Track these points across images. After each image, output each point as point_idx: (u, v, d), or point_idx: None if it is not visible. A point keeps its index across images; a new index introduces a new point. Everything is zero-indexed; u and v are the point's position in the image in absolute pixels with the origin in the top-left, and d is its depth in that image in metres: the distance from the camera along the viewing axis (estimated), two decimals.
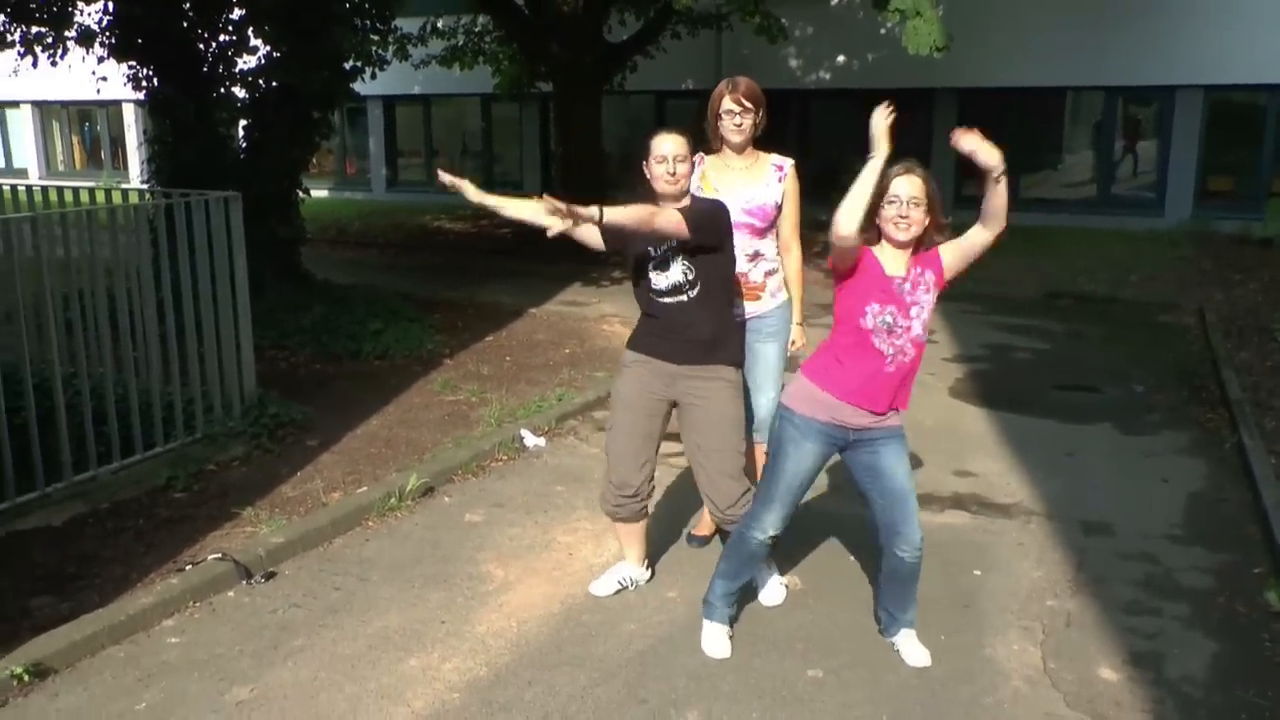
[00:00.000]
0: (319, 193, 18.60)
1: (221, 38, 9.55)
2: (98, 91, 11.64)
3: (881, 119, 3.39)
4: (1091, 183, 15.97)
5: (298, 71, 9.25)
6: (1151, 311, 9.89)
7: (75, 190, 6.38)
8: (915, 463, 5.73)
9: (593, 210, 3.49)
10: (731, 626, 3.98)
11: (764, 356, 4.47)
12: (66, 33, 10.04)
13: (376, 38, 10.38)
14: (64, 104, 23.34)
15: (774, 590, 4.26)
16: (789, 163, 4.41)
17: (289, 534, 4.77)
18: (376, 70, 10.43)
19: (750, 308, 4.42)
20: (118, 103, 21.61)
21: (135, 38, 9.24)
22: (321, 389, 7.17)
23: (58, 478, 5.12)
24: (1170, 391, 7.24)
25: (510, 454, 6.01)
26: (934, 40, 10.52)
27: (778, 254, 4.49)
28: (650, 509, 4.29)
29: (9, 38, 10.11)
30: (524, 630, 4.07)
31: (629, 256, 4.01)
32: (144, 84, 9.53)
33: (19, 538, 4.78)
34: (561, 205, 3.43)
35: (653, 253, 3.91)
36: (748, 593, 4.11)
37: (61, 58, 10.31)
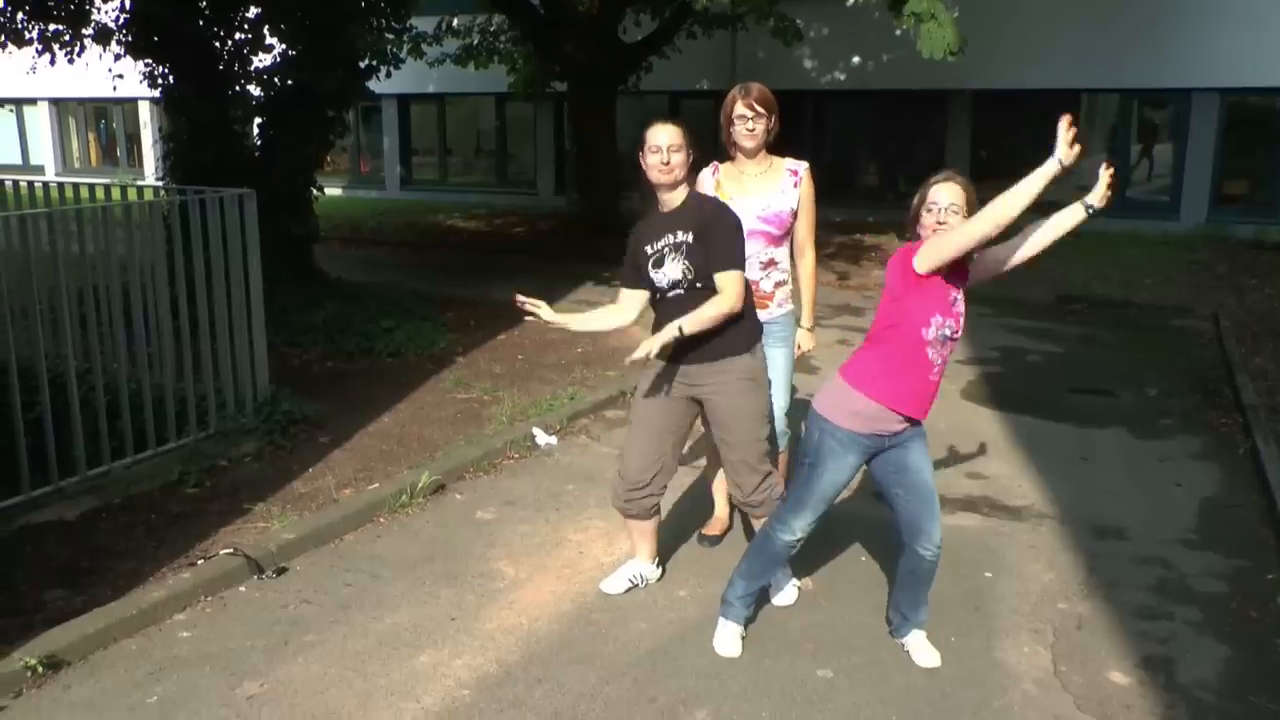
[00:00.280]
0: (333, 191, 18.66)
1: (237, 36, 9.60)
2: (114, 89, 11.70)
3: (1066, 126, 3.35)
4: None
5: (313, 70, 9.29)
6: (1166, 316, 9.85)
7: (91, 187, 6.43)
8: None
9: (673, 333, 3.74)
10: (746, 627, 3.98)
11: (773, 361, 4.46)
12: (84, 30, 10.11)
13: (392, 36, 10.41)
14: (81, 101, 23.49)
15: (788, 591, 4.25)
16: (803, 166, 4.41)
17: (300, 530, 4.78)
18: (391, 69, 10.46)
19: (758, 314, 4.41)
20: (134, 100, 21.72)
21: (152, 35, 9.29)
22: (334, 386, 7.19)
23: (71, 472, 5.15)
24: (1184, 396, 7.21)
25: (522, 452, 6.02)
26: (948, 44, 10.51)
27: (790, 266, 4.48)
28: (662, 509, 4.29)
29: (27, 35, 10.18)
30: (534, 628, 4.08)
31: (628, 254, 4.04)
32: (160, 82, 9.59)
33: (34, 531, 4.81)
34: (653, 347, 3.72)
35: (649, 251, 3.91)
36: (760, 594, 4.10)
37: (79, 55, 10.39)
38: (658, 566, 4.45)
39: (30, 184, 7.02)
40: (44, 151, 24.41)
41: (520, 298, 3.92)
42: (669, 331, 3.76)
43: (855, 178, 17.32)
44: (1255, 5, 13.98)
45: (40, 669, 3.68)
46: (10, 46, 10.21)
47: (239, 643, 3.97)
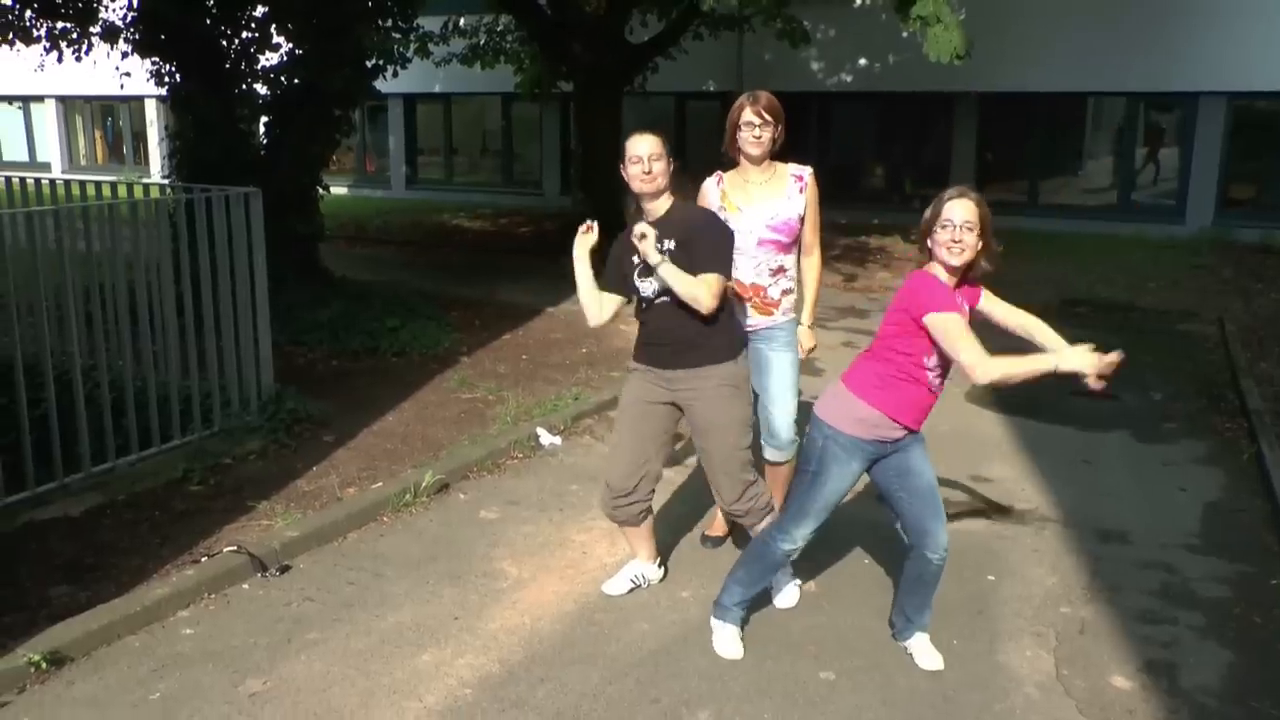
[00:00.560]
0: (339, 190, 18.69)
1: (244, 35, 9.62)
2: (121, 87, 11.72)
3: (1112, 360, 3.50)
4: (1112, 189, 15.89)
5: (319, 69, 9.30)
6: (1171, 320, 9.83)
7: (97, 184, 6.44)
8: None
9: (656, 255, 3.75)
10: (742, 629, 3.98)
11: (778, 366, 4.46)
12: (91, 28, 10.13)
13: (398, 36, 10.41)
14: (87, 99, 23.53)
15: (790, 593, 4.26)
16: (808, 171, 4.41)
17: (304, 528, 4.79)
18: (398, 68, 10.47)
19: (761, 320, 4.43)
20: (140, 98, 21.78)
21: (159, 34, 9.31)
22: (338, 385, 7.20)
23: (76, 469, 5.17)
24: (1188, 400, 7.20)
25: (526, 452, 6.03)
26: (955, 47, 10.49)
27: (795, 275, 4.49)
28: (654, 508, 4.30)
29: (35, 33, 10.20)
30: (537, 628, 4.08)
31: (610, 259, 4.06)
32: (167, 80, 9.61)
33: (38, 527, 4.83)
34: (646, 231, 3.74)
35: (636, 261, 3.93)
36: (762, 596, 4.10)
37: (86, 53, 10.41)
38: (660, 566, 4.45)
39: (37, 181, 7.03)
40: (51, 149, 24.47)
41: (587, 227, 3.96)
42: (651, 252, 3.77)
43: (861, 180, 17.32)
44: (1263, 9, 13.95)
45: (44, 665, 3.69)
46: (18, 44, 10.24)
47: (242, 640, 3.98)
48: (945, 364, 3.55)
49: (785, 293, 4.45)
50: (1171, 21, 14.32)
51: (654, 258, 3.78)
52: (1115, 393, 7.43)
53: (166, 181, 9.69)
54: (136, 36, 9.61)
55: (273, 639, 3.99)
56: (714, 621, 3.96)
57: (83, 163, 24.32)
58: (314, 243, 10.21)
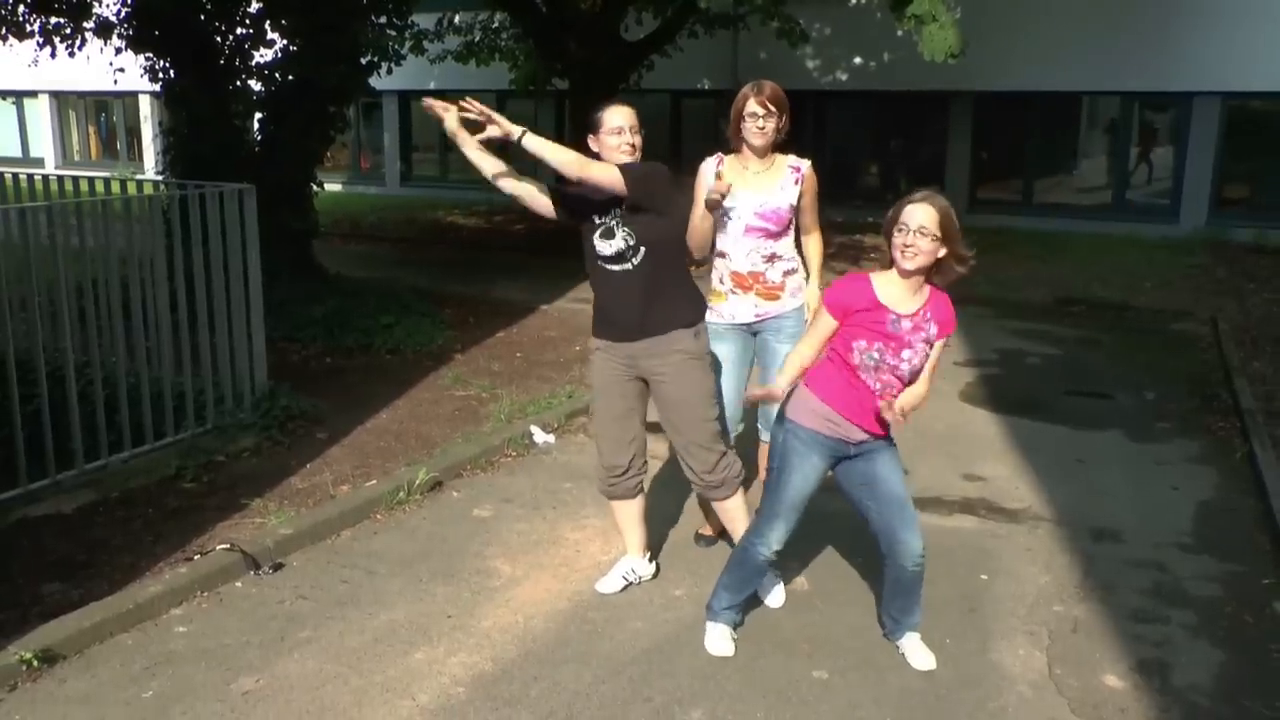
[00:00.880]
0: (333, 186, 18.64)
1: (239, 31, 9.60)
2: (115, 82, 11.70)
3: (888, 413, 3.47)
4: (1106, 189, 15.91)
5: (314, 65, 9.28)
6: (1164, 319, 9.85)
7: (91, 180, 6.42)
8: (924, 466, 5.73)
9: (517, 129, 3.66)
10: (735, 629, 3.98)
11: (781, 357, 4.47)
12: (85, 24, 10.10)
13: (393, 33, 10.40)
14: (81, 94, 23.46)
15: (777, 593, 4.26)
16: (805, 163, 4.43)
17: (297, 526, 4.79)
18: (392, 65, 10.45)
19: (769, 307, 4.43)
20: (134, 94, 21.69)
21: (153, 29, 9.29)
22: (332, 382, 7.19)
23: (69, 465, 5.15)
24: (1182, 400, 7.21)
25: (519, 450, 6.02)
26: (950, 46, 10.50)
27: (796, 255, 4.50)
28: (648, 508, 4.30)
29: (28, 28, 10.17)
30: (530, 626, 4.08)
31: (578, 224, 4.03)
32: (161, 76, 9.59)
33: (30, 524, 4.81)
34: (483, 108, 3.69)
35: (598, 220, 3.93)
36: (754, 597, 4.11)
37: (80, 48, 10.38)
38: (651, 562, 4.45)
39: (30, 177, 7.02)
40: (44, 144, 24.40)
41: (429, 101, 3.89)
42: (506, 124, 3.79)
43: (856, 178, 17.32)
44: (1258, 9, 13.97)
45: (36, 663, 3.68)
46: (12, 39, 10.20)
47: (235, 638, 3.97)
48: (884, 364, 3.51)
49: (787, 274, 4.45)
50: (1166, 22, 14.34)
51: (514, 131, 3.74)
52: (1109, 392, 7.45)
53: (160, 178, 9.67)
54: (130, 32, 9.59)
55: (266, 637, 3.99)
56: (707, 622, 3.96)
57: (76, 158, 24.24)
58: (308, 239, 10.20)
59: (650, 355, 3.96)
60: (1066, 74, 15.01)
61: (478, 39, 16.39)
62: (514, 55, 16.43)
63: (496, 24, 16.39)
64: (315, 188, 10.21)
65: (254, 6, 9.65)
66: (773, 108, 4.23)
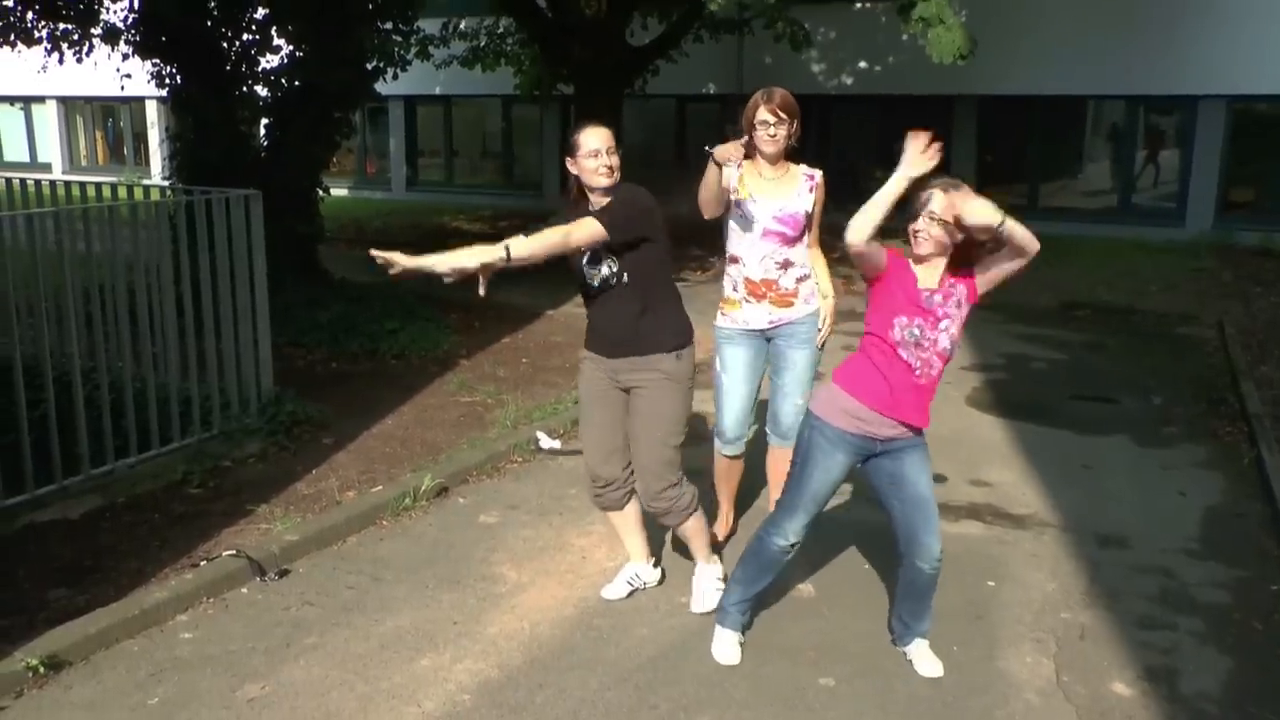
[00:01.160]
0: (339, 191, 18.67)
1: (245, 36, 9.63)
2: (122, 88, 11.73)
3: (918, 145, 3.42)
4: (1111, 192, 15.89)
5: (320, 71, 9.30)
6: (1170, 323, 9.83)
7: (98, 186, 6.44)
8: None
9: (499, 251, 3.54)
10: (744, 634, 3.97)
11: (794, 363, 4.49)
12: (93, 30, 10.14)
13: (399, 38, 10.42)
14: (88, 100, 23.52)
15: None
16: (819, 173, 4.48)
17: (303, 532, 4.79)
18: (398, 70, 10.46)
19: (783, 314, 4.44)
20: (141, 99, 21.74)
21: (160, 35, 9.31)
22: (338, 387, 7.20)
23: (75, 471, 5.16)
24: (1188, 404, 7.19)
25: (525, 456, 6.02)
26: (958, 47, 10.49)
27: (808, 262, 4.50)
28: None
29: (37, 34, 10.21)
30: (536, 632, 4.07)
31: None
32: (167, 81, 9.62)
33: (37, 530, 4.82)
34: (466, 264, 3.47)
35: (584, 250, 3.93)
36: (763, 599, 4.09)
37: (87, 54, 10.42)
38: (655, 567, 4.45)
39: (37, 182, 7.03)
40: (52, 150, 24.46)
41: (375, 253, 3.53)
42: (491, 254, 3.54)
43: (861, 182, 17.16)
44: (1263, 12, 13.95)
45: (42, 669, 3.69)
46: (20, 45, 10.24)
47: (240, 644, 3.97)
48: (924, 339, 3.49)
49: (800, 280, 4.45)
50: (1172, 25, 14.33)
51: (500, 255, 3.57)
52: (1115, 396, 7.43)
53: (167, 183, 9.69)
54: (137, 38, 9.61)
55: (271, 643, 3.99)
56: (716, 626, 3.95)
57: (83, 164, 24.31)
58: (314, 244, 10.22)
59: (631, 370, 3.99)
60: (1072, 77, 15.00)
61: (483, 44, 16.43)
62: (519, 60, 16.46)
63: (502, 29, 16.42)
64: (321, 193, 10.23)
65: (260, 12, 9.68)
66: (784, 115, 4.24)
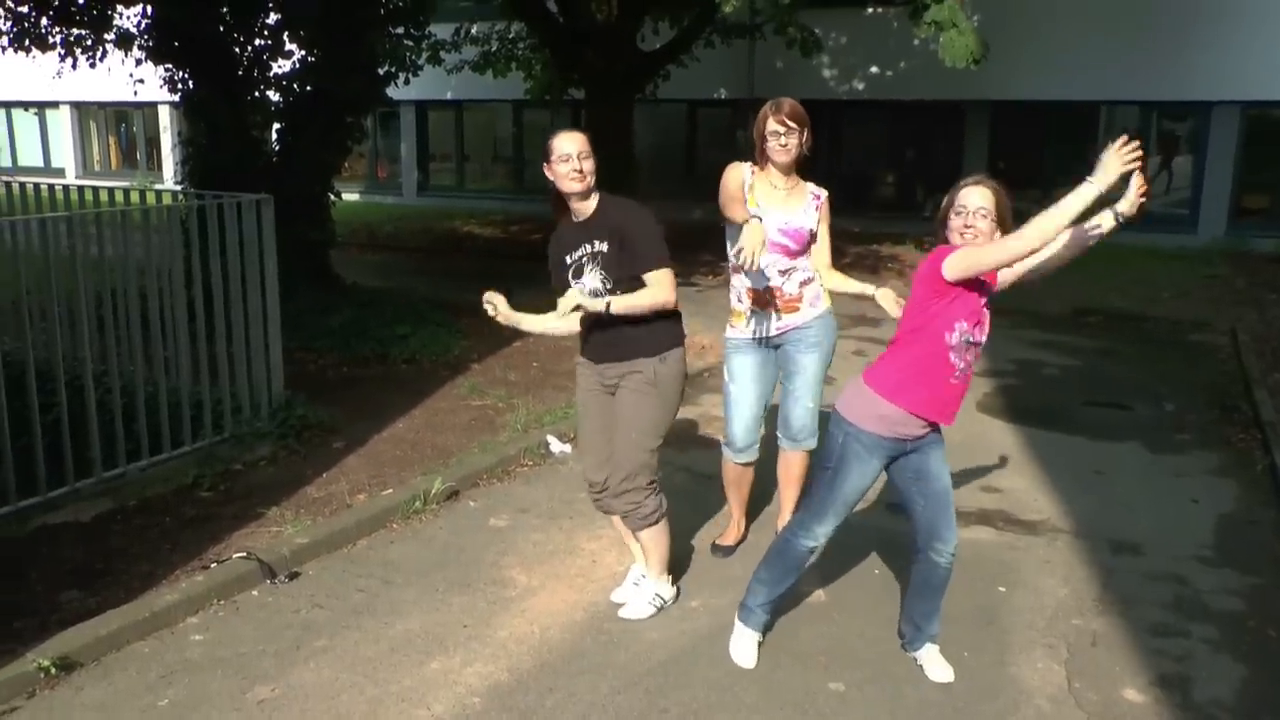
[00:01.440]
0: (350, 196, 18.72)
1: (257, 42, 9.66)
2: (135, 93, 11.79)
3: (1118, 155, 3.41)
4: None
5: (331, 76, 9.33)
6: (1183, 330, 9.79)
7: (110, 190, 6.46)
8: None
9: (600, 306, 3.80)
10: (764, 635, 3.96)
11: (804, 367, 4.49)
12: (106, 35, 10.20)
13: (410, 43, 10.45)
14: (102, 105, 23.65)
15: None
16: (824, 193, 4.51)
17: (313, 535, 4.79)
18: (409, 75, 10.49)
19: (790, 319, 4.44)
20: (154, 104, 21.87)
21: (172, 41, 9.36)
22: (348, 391, 7.21)
23: (87, 474, 5.18)
24: (1201, 411, 7.16)
25: (536, 459, 6.02)
26: (971, 51, 10.49)
27: (809, 266, 4.49)
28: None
29: (50, 40, 10.27)
30: (546, 636, 4.07)
31: (551, 264, 4.08)
32: (180, 86, 9.66)
33: (49, 532, 4.84)
34: (571, 303, 3.80)
35: (568, 260, 3.96)
36: (783, 602, 4.07)
37: (101, 60, 10.47)
38: (672, 585, 4.42)
39: (50, 187, 7.07)
40: (65, 154, 24.60)
41: (487, 295, 3.93)
42: (597, 304, 3.82)
43: (872, 188, 17.29)
44: (1277, 18, 13.90)
45: (53, 670, 3.69)
46: (35, 51, 10.30)
47: (251, 647, 3.98)
48: (971, 342, 3.49)
49: (804, 284, 4.45)
50: (1185, 30, 14.29)
51: (599, 307, 3.81)
52: (1128, 403, 7.40)
53: (179, 188, 9.73)
54: (150, 43, 9.66)
55: (281, 646, 3.99)
56: (737, 623, 3.93)
57: (97, 168, 24.44)
58: (325, 249, 10.25)
59: (615, 374, 4.02)
60: (1084, 83, 14.97)
61: (494, 49, 16.47)
62: (530, 65, 16.49)
63: (513, 34, 16.46)
64: (332, 197, 10.26)
65: (272, 18, 9.71)
66: (793, 124, 4.25)
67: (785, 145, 4.27)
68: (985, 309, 3.52)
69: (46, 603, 4.18)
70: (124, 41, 10.10)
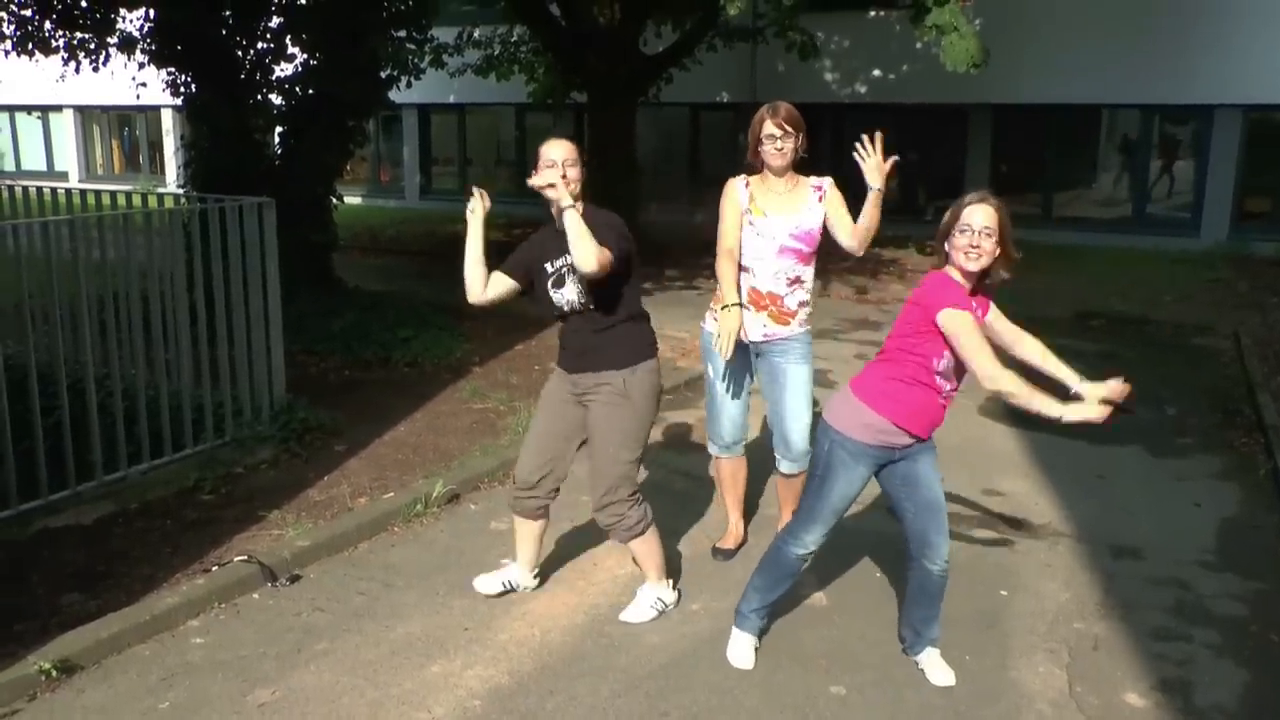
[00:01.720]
0: (352, 199, 18.75)
1: (259, 45, 9.67)
2: (137, 97, 11.82)
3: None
4: (1126, 202, 15.84)
5: (334, 79, 9.35)
6: (1185, 334, 9.78)
7: (113, 194, 6.47)
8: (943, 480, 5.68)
9: (568, 200, 3.74)
10: (760, 639, 3.96)
11: (794, 378, 4.47)
12: (109, 39, 10.22)
13: (413, 47, 10.47)
14: (105, 109, 23.70)
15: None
16: (827, 180, 4.47)
17: (315, 538, 4.79)
18: (412, 79, 10.50)
19: (777, 330, 4.44)
20: (156, 108, 21.90)
21: (175, 44, 9.38)
22: (350, 395, 7.21)
23: (89, 477, 5.18)
24: (1204, 415, 7.15)
25: None
26: (971, 55, 10.50)
27: (812, 286, 4.50)
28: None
29: (54, 43, 10.29)
30: (547, 639, 4.07)
31: (532, 275, 4.08)
32: (182, 90, 9.68)
33: (50, 535, 4.84)
34: (555, 180, 3.76)
35: (549, 269, 3.98)
36: (781, 606, 4.08)
37: (104, 63, 10.49)
38: (535, 576, 4.47)
39: (53, 191, 7.08)
40: (68, 158, 24.66)
41: (474, 190, 3.98)
42: (562, 195, 3.78)
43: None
44: (1279, 21, 13.89)
45: (54, 673, 3.70)
46: (38, 55, 10.33)
47: (251, 650, 3.98)
48: (957, 371, 3.52)
49: (802, 304, 4.46)
50: (1187, 33, 14.28)
51: (566, 200, 3.75)
52: (1130, 407, 7.37)
53: (181, 191, 9.75)
54: (153, 47, 9.68)
55: (282, 649, 3.99)
56: (734, 628, 3.94)
57: (100, 172, 24.49)
58: (327, 252, 10.25)
59: (587, 384, 4.02)
60: (1086, 86, 14.96)
61: (497, 52, 16.48)
62: (533, 68, 16.51)
63: (516, 37, 16.48)
64: (335, 201, 10.26)
65: (274, 21, 9.73)
66: (789, 128, 4.26)
67: (781, 149, 4.28)
68: None
69: (47, 605, 4.18)
70: (127, 45, 10.13)
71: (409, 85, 10.45)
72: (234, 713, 3.58)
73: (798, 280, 4.42)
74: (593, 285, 3.88)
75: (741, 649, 3.89)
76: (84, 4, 9.83)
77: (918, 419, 3.56)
